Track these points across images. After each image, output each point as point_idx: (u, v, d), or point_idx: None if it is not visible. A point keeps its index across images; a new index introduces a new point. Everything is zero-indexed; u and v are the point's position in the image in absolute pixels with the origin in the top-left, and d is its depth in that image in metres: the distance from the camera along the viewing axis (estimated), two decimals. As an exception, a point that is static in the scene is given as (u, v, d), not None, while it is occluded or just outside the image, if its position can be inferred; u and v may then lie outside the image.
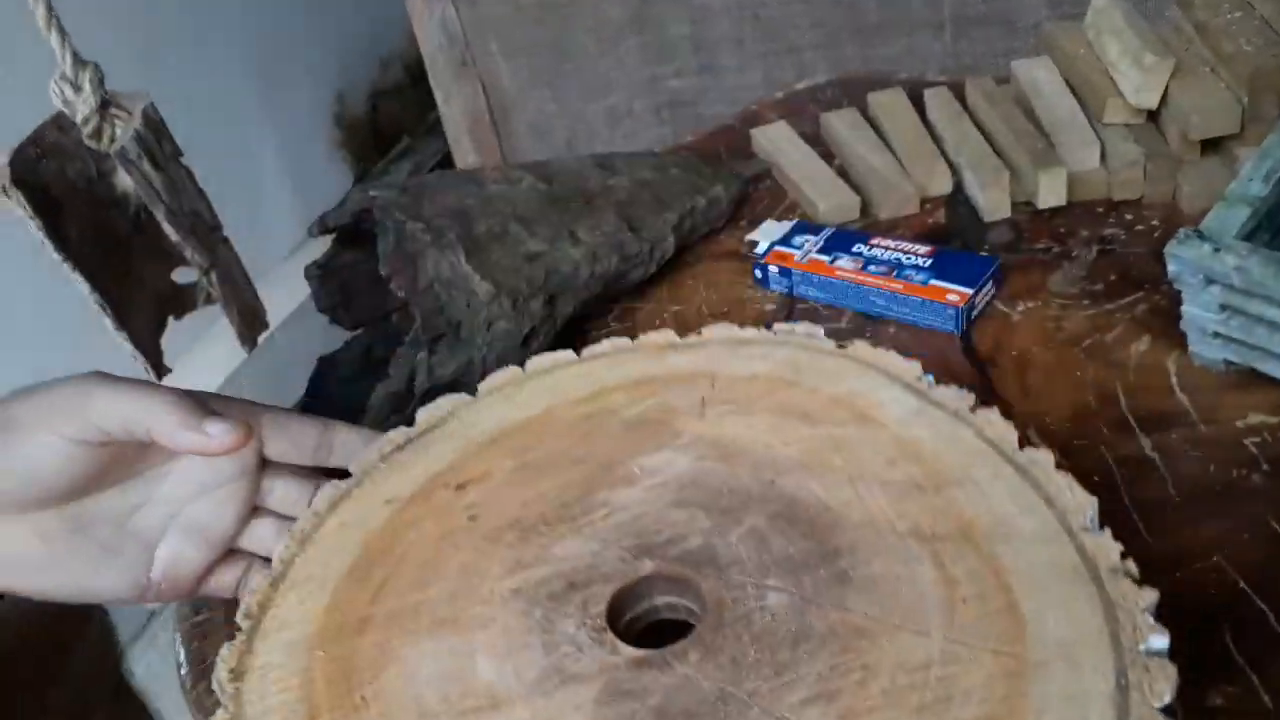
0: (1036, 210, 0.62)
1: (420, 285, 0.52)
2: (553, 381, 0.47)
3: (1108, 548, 0.36)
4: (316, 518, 0.42)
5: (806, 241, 0.63)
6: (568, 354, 0.48)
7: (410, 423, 0.46)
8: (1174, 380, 0.50)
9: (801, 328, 0.47)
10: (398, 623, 0.38)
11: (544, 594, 0.38)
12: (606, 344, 0.48)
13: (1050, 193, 0.61)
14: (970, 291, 0.56)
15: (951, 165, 0.67)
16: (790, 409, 0.43)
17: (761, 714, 0.33)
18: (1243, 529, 0.43)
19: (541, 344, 0.58)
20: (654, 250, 0.63)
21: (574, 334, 0.63)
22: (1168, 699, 0.32)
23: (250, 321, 1.10)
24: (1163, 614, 0.38)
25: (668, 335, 0.48)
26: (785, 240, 0.64)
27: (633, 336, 0.55)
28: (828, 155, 0.72)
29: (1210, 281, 0.46)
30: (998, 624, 0.34)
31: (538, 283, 0.56)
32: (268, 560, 0.42)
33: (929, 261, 0.59)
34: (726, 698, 0.34)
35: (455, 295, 0.53)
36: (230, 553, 0.45)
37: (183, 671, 0.50)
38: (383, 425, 0.53)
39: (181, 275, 1.05)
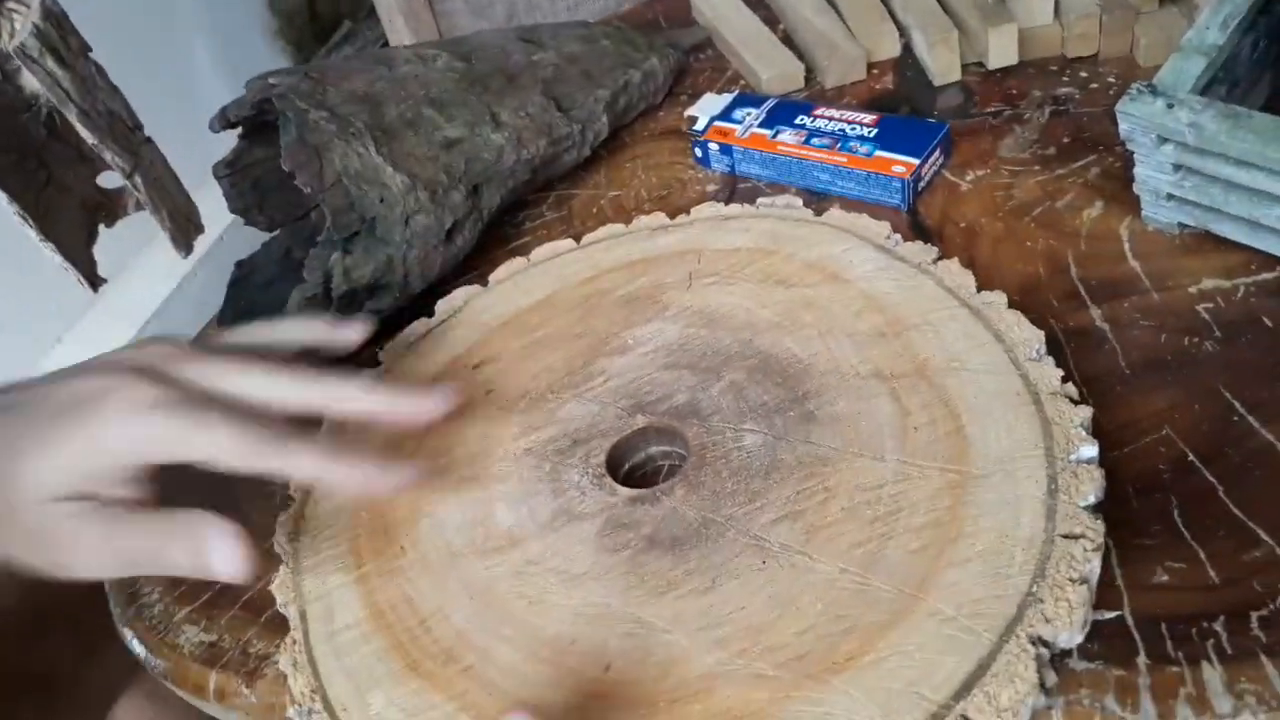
0: (988, 71, 0.59)
1: (327, 180, 0.49)
2: (556, 268, 0.52)
3: (1049, 374, 0.40)
4: None
5: (748, 115, 0.59)
6: (568, 242, 0.54)
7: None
8: (1126, 247, 0.47)
9: (782, 199, 0.52)
10: (427, 483, 0.43)
11: (552, 450, 0.43)
12: (602, 230, 0.54)
13: (1001, 51, 0.58)
14: (916, 161, 0.53)
15: (899, 26, 0.63)
16: (769, 275, 0.48)
17: (738, 534, 0.38)
18: (1194, 399, 0.41)
19: (467, 238, 0.54)
20: (586, 131, 0.59)
21: (505, 225, 0.60)
22: (1092, 499, 0.36)
23: (183, 225, 1.05)
24: (1111, 491, 0.37)
25: (659, 218, 0.54)
26: (725, 114, 0.60)
27: (569, 225, 0.56)
28: (771, 20, 0.68)
29: (1164, 140, 0.43)
30: (945, 446, 0.39)
31: (458, 172, 0.52)
32: None
33: (874, 131, 0.55)
34: (707, 523, 0.39)
35: (367, 189, 0.49)
36: None
37: (112, 596, 0.48)
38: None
39: (108, 181, 1.00)
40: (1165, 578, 0.36)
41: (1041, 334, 0.42)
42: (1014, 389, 0.40)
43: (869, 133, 0.55)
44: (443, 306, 0.52)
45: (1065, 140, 0.54)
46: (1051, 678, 0.33)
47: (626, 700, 0.34)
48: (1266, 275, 0.44)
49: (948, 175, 0.54)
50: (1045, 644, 0.33)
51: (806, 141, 0.56)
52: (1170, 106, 0.42)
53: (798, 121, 0.57)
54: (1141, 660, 0.34)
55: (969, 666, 0.33)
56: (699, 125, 0.60)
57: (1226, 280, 0.45)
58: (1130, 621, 0.35)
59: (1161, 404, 0.41)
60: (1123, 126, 0.44)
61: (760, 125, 0.58)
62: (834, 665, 0.34)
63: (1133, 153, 0.45)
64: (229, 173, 0.56)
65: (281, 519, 0.45)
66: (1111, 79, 0.57)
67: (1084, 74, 0.57)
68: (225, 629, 0.44)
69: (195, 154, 0.55)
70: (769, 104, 0.60)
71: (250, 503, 0.48)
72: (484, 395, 0.47)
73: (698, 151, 0.60)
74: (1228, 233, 0.45)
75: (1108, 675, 0.34)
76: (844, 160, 0.54)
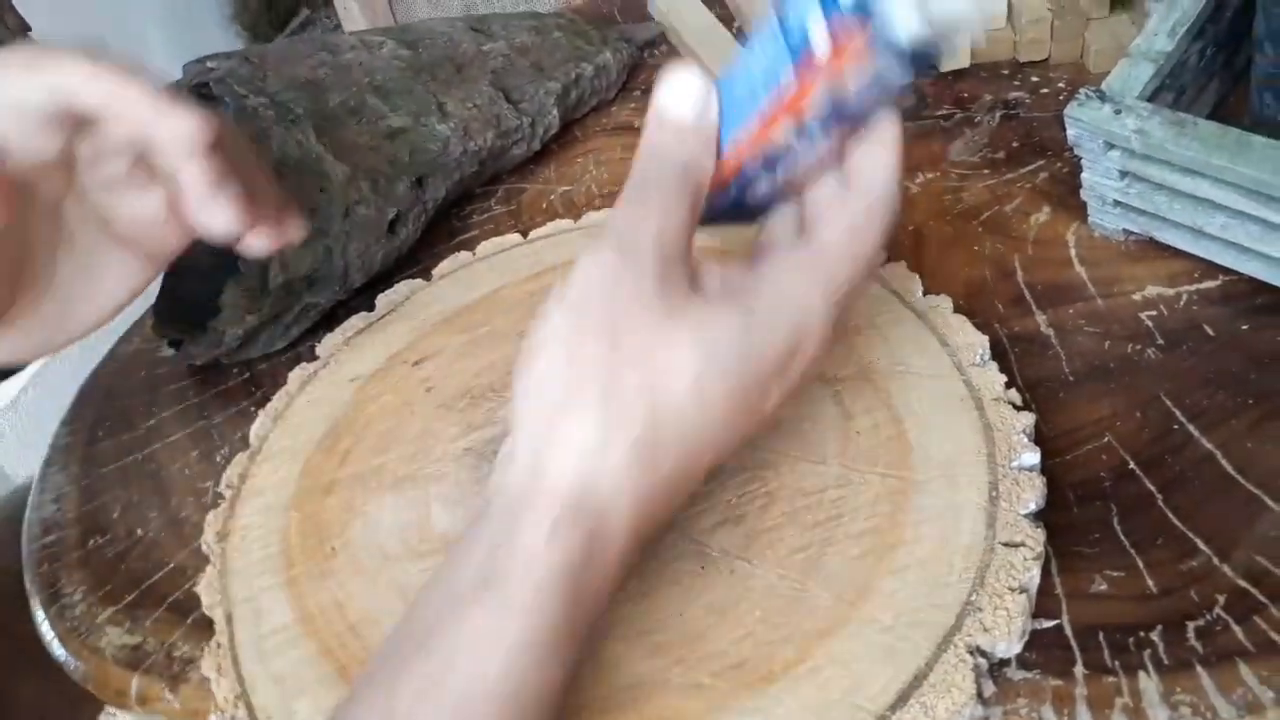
0: (940, 74, 0.59)
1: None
2: (502, 263, 0.51)
3: (993, 380, 0.40)
4: (287, 397, 0.47)
5: None
6: (514, 237, 0.53)
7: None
8: (1073, 253, 0.47)
9: None
10: (362, 483, 0.42)
11: (492, 450, 0.42)
12: (550, 226, 0.53)
13: (953, 54, 0.58)
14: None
15: (854, 26, 0.63)
16: None
17: (679, 537, 0.37)
18: (1135, 407, 0.41)
19: (411, 231, 0.53)
20: (535, 125, 0.58)
21: (451, 218, 0.59)
22: (1033, 507, 0.36)
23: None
24: (1052, 498, 0.37)
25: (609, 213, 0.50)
26: None
27: (517, 220, 0.55)
28: (727, 18, 0.67)
29: (1110, 146, 0.43)
30: (887, 451, 0.39)
31: (402, 162, 0.51)
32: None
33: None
34: None
35: (306, 179, 0.48)
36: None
37: (34, 597, 0.46)
38: (239, 325, 0.49)
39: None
40: (1104, 587, 0.36)
41: (986, 339, 0.42)
42: (957, 394, 0.40)
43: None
44: (383, 300, 0.51)
45: (1015, 145, 0.54)
46: (989, 688, 0.33)
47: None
48: (1209, 284, 0.45)
49: (899, 177, 0.54)
50: (983, 654, 0.33)
51: None
52: (1118, 112, 0.42)
53: None
54: (1079, 670, 0.34)
55: (906, 677, 0.32)
56: None
57: (1170, 288, 0.45)
58: (1068, 631, 0.35)
59: (1104, 411, 0.41)
60: (1070, 131, 0.44)
61: None
62: (770, 674, 0.33)
63: (1080, 158, 0.45)
64: (165, 159, 0.55)
65: (210, 518, 0.43)
66: (1062, 84, 0.57)
67: (1035, 78, 0.57)
68: (149, 631, 0.42)
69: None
70: None
71: (180, 499, 0.47)
72: (424, 393, 0.46)
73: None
74: (1171, 240, 0.45)
75: (1045, 685, 0.33)
76: None
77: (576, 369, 0.31)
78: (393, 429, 0.44)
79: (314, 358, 0.49)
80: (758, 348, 0.31)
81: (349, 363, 0.48)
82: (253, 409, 0.48)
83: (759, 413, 0.32)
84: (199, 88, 0.50)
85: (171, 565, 0.44)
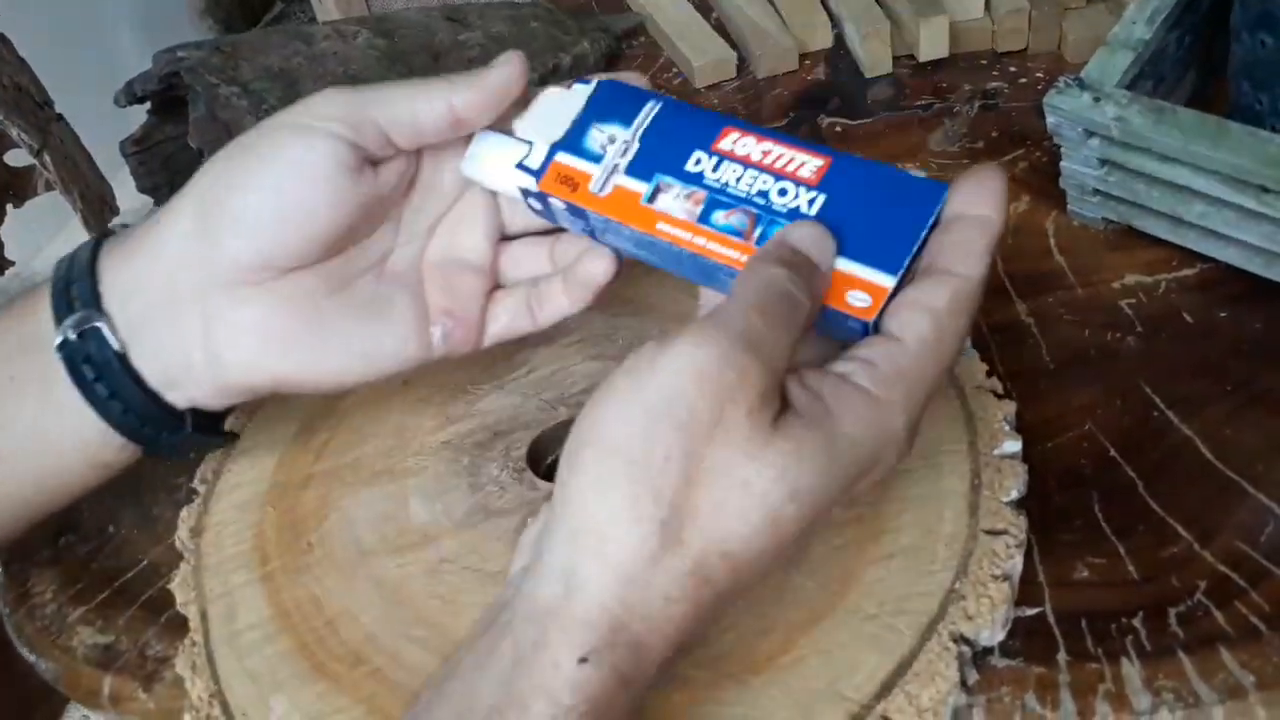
0: (919, 64, 0.59)
1: (237, 159, 0.46)
2: None
3: (974, 368, 0.40)
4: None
5: (609, 143, 0.35)
6: None
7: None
8: (1052, 242, 0.48)
9: None
10: (338, 477, 0.41)
11: (470, 443, 0.42)
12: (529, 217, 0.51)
13: (932, 44, 0.58)
14: (890, 282, 0.30)
15: (832, 17, 0.63)
16: None
17: None
18: (1115, 394, 0.41)
19: (387, 222, 0.53)
20: (512, 115, 0.58)
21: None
22: (1015, 495, 0.36)
23: (96, 207, 1.00)
24: (1034, 486, 0.37)
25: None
26: (575, 140, 0.35)
27: None
28: (705, 8, 0.67)
29: (1090, 134, 0.43)
30: None
31: (376, 153, 0.50)
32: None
33: (818, 198, 0.32)
34: None
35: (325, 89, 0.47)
36: (497, 288, 0.40)
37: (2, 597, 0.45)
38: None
39: (16, 159, 0.95)
40: (1086, 574, 0.36)
41: None
42: None
43: (810, 200, 0.32)
44: None
45: (993, 134, 0.54)
46: (973, 675, 0.33)
47: None
48: (1187, 271, 0.45)
49: (878, 167, 0.53)
50: (967, 641, 0.33)
51: (704, 215, 0.33)
52: (1097, 100, 0.42)
53: (693, 166, 0.34)
54: (1062, 657, 0.34)
55: (890, 665, 0.32)
56: (532, 161, 0.36)
57: (1149, 276, 0.45)
58: (1051, 618, 0.35)
59: (1084, 399, 0.41)
60: (1050, 120, 0.44)
61: (629, 171, 0.34)
62: (754, 665, 0.33)
63: (1060, 147, 0.45)
64: (137, 150, 0.54)
65: (184, 514, 0.42)
66: (1040, 74, 0.57)
67: (1013, 68, 0.57)
68: (122, 630, 0.41)
69: (115, 135, 0.53)
70: (647, 115, 0.35)
71: (153, 496, 0.46)
72: (400, 385, 0.45)
73: (534, 205, 0.37)
74: (1150, 228, 0.45)
75: (1028, 673, 0.33)
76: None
77: (645, 480, 0.27)
78: (369, 422, 0.44)
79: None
80: (838, 479, 0.28)
81: None
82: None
83: (815, 532, 0.30)
84: (169, 77, 0.49)
85: (145, 563, 0.43)
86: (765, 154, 0.33)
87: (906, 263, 0.30)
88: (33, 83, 0.94)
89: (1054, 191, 0.48)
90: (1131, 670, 0.33)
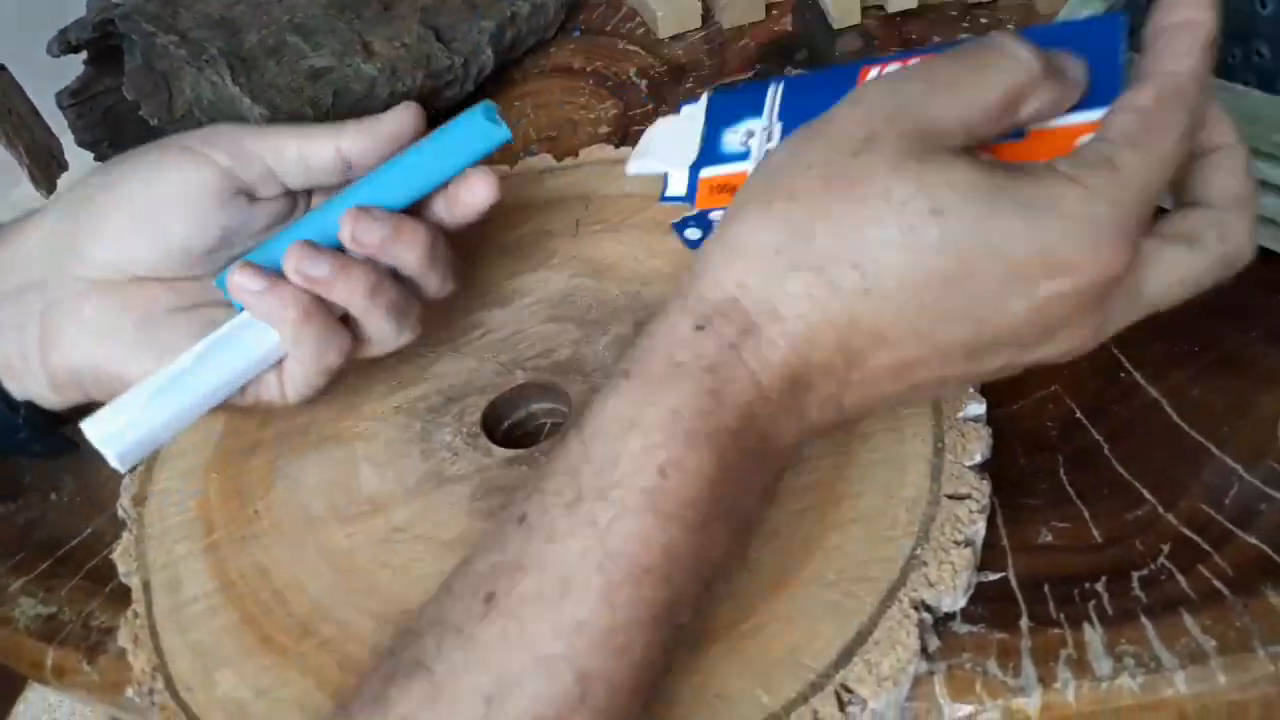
0: (888, 15, 0.57)
1: (177, 111, 0.45)
2: None
3: None
4: None
5: (749, 137, 0.34)
6: None
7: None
8: (1021, 198, 0.46)
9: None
10: (286, 443, 0.40)
11: (423, 408, 0.41)
12: None
13: (902, -7, 0.56)
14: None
15: (800, -35, 0.61)
16: (658, 224, 0.45)
17: None
18: (1083, 356, 0.40)
19: (338, 177, 0.51)
20: (469, 65, 0.56)
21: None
22: (979, 458, 0.35)
23: (44, 161, 0.97)
24: (998, 449, 0.36)
25: (545, 160, 0.49)
26: (710, 152, 0.34)
27: None
28: (669, -45, 0.65)
29: (1060, 87, 0.42)
30: None
31: (324, 105, 0.48)
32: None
33: None
34: None
35: (221, 122, 0.45)
36: None
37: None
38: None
39: (-42, 111, 0.91)
40: (1050, 538, 0.35)
41: None
42: None
43: None
44: None
45: (964, 87, 0.52)
46: (934, 642, 0.32)
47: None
48: (1157, 229, 0.44)
49: (845, 121, 0.52)
50: (928, 608, 0.32)
51: None
52: (1067, 53, 0.41)
53: None
54: (1024, 623, 0.33)
55: (850, 633, 0.31)
56: (675, 189, 0.35)
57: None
58: (1014, 583, 0.34)
59: (1051, 360, 0.40)
60: (1020, 73, 0.43)
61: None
62: (712, 632, 0.32)
63: (1029, 101, 0.44)
64: (74, 102, 0.52)
65: (126, 481, 0.41)
66: (1011, 26, 0.55)
67: (983, 20, 0.56)
68: (65, 600, 0.40)
69: (53, 85, 0.50)
70: (774, 97, 0.34)
71: (97, 463, 0.44)
72: None
73: (690, 233, 0.35)
74: (1121, 185, 0.44)
75: (990, 639, 0.33)
76: None
77: (782, 183, 0.27)
78: None
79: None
80: (997, 236, 0.25)
81: None
82: (172, 367, 0.45)
83: (991, 333, 0.27)
84: (104, 25, 0.47)
85: (88, 532, 0.42)
86: None
87: (1120, 88, 0.28)
88: (-28, 31, 0.91)
89: (1023, 147, 0.47)
90: (1094, 635, 0.33)
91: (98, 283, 0.36)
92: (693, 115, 0.35)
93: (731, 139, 0.34)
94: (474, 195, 0.37)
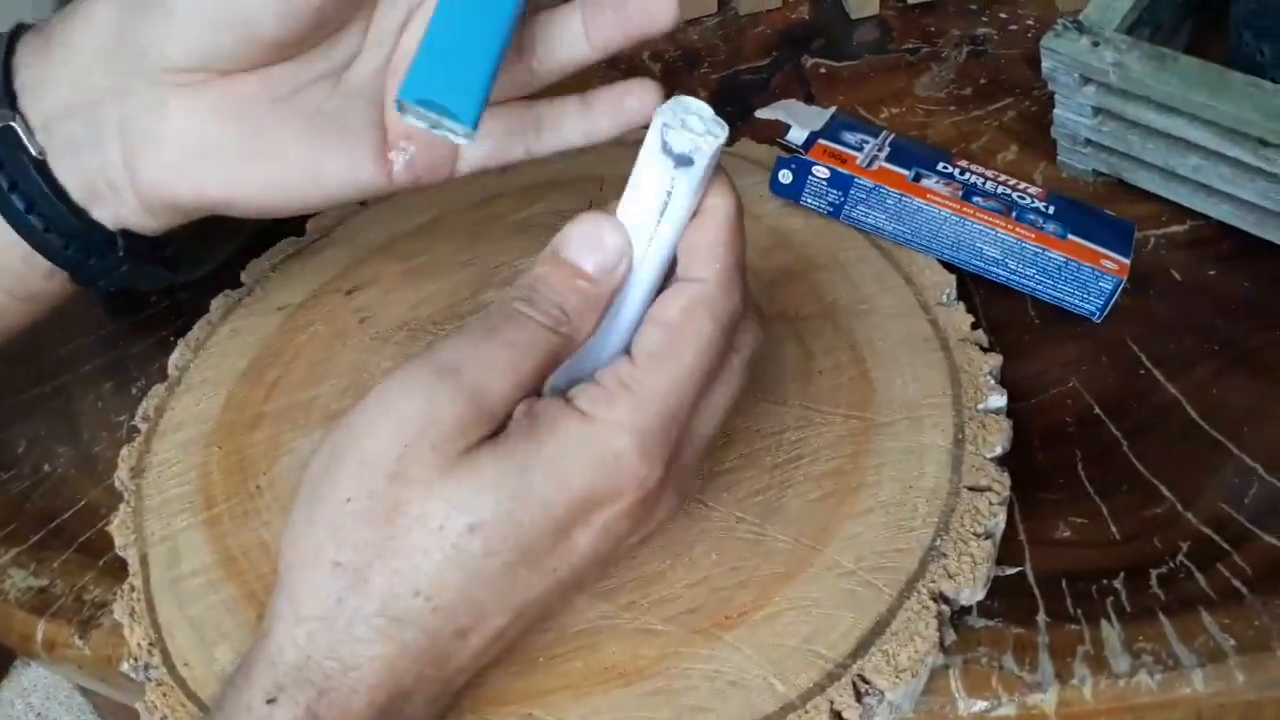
0: (906, 6, 0.57)
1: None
2: (443, 189, 0.45)
3: (959, 319, 0.39)
4: (209, 326, 0.44)
5: (865, 141, 0.43)
6: None
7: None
8: (1040, 193, 0.46)
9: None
10: (290, 417, 0.39)
11: None
12: None
13: (921, -15, 0.56)
14: (1127, 262, 0.39)
15: (818, -46, 0.60)
16: None
17: None
18: (1101, 351, 0.40)
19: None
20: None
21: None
22: (999, 451, 0.35)
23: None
24: (1017, 442, 0.36)
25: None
26: (830, 133, 0.43)
27: None
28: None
29: (1086, 80, 0.42)
30: (850, 391, 0.37)
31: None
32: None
33: (1050, 208, 0.41)
34: None
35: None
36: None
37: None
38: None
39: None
40: (1068, 533, 0.35)
41: (953, 278, 0.40)
42: (922, 334, 0.38)
43: (1045, 208, 0.41)
44: (313, 224, 0.47)
45: (982, 81, 0.52)
46: (950, 636, 0.32)
47: (501, 656, 0.32)
48: (1176, 228, 0.43)
49: (861, 111, 0.52)
50: (946, 600, 0.32)
51: (966, 197, 0.41)
52: (1096, 44, 0.40)
53: (943, 168, 0.42)
54: (1041, 618, 0.33)
55: (867, 623, 0.31)
56: (795, 135, 0.44)
57: (1138, 232, 0.43)
58: (1031, 578, 0.34)
59: (1070, 355, 0.40)
60: (1045, 64, 0.42)
61: (890, 160, 0.42)
62: (726, 620, 0.31)
63: (1053, 94, 0.43)
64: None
65: (125, 452, 0.40)
66: (1031, 21, 0.55)
67: (1003, 15, 0.55)
68: (58, 573, 0.39)
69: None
70: (887, 135, 0.44)
71: (93, 433, 0.43)
72: (357, 323, 0.43)
73: (784, 174, 0.43)
74: (1142, 182, 0.44)
75: (1007, 633, 0.32)
76: (1031, 236, 0.39)
77: (326, 522, 0.26)
78: (324, 361, 0.41)
79: (238, 284, 0.46)
80: (533, 508, 0.26)
81: (277, 290, 0.45)
82: (172, 339, 0.44)
83: (569, 572, 0.27)
84: None
85: (83, 503, 0.41)
86: (995, 174, 0.42)
87: (1129, 254, 0.40)
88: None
89: (1042, 143, 0.47)
90: (1111, 632, 0.32)
91: (180, 87, 0.31)
92: (822, 111, 0.44)
93: (849, 137, 0.43)
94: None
